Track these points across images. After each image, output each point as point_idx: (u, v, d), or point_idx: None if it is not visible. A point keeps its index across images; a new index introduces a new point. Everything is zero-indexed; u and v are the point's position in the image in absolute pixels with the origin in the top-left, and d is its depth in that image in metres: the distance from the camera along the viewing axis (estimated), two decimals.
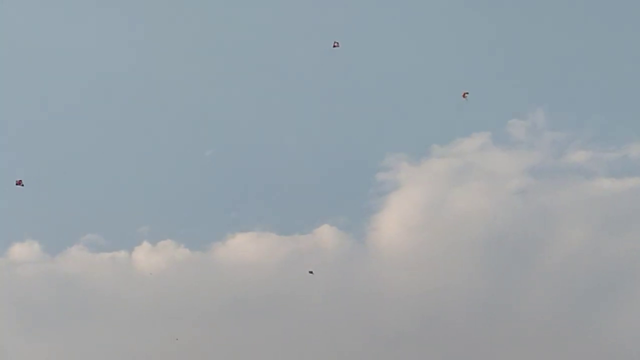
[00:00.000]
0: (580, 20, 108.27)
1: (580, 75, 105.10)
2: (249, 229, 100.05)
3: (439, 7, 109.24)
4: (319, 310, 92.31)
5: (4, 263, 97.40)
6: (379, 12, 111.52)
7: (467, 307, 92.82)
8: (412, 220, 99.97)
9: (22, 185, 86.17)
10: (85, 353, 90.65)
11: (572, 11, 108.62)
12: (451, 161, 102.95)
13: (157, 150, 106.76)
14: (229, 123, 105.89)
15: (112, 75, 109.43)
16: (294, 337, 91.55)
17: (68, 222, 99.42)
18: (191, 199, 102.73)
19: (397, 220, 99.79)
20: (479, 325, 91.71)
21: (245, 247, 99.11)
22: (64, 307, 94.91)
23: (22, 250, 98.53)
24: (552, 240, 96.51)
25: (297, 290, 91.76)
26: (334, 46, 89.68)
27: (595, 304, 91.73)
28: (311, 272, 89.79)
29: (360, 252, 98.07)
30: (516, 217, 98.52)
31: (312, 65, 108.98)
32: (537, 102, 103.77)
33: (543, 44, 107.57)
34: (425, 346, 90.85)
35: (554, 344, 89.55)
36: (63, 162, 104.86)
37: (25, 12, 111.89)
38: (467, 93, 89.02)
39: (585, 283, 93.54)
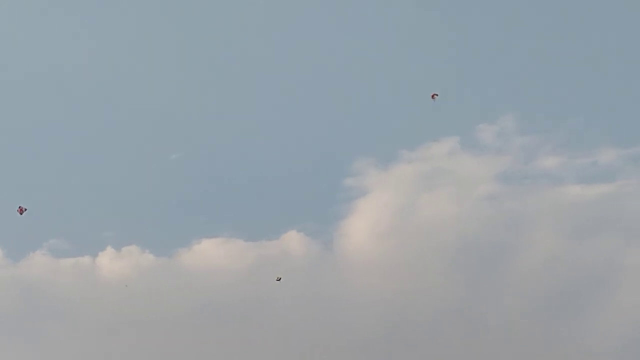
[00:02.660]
0: (550, 25, 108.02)
1: (550, 80, 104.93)
2: (215, 235, 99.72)
3: (409, 12, 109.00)
4: (287, 315, 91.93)
5: None
6: (348, 17, 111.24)
7: (435, 311, 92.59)
8: (380, 226, 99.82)
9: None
10: (48, 359, 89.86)
11: (542, 16, 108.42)
12: (420, 166, 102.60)
13: (123, 154, 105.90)
14: (195, 127, 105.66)
15: (77, 75, 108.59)
16: (261, 342, 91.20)
17: (31, 227, 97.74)
18: (156, 203, 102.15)
19: (365, 225, 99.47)
20: (447, 329, 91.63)
21: (211, 253, 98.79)
22: (27, 312, 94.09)
23: None
24: (521, 246, 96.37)
25: (265, 296, 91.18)
26: None
27: (563, 309, 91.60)
28: (279, 279, 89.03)
29: (327, 257, 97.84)
30: (485, 222, 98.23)
31: (280, 69, 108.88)
32: (506, 107, 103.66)
33: (512, 49, 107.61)
34: (393, 351, 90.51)
35: (522, 348, 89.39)
36: (25, 166, 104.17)
37: None
38: (437, 94, 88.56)
39: (553, 288, 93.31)
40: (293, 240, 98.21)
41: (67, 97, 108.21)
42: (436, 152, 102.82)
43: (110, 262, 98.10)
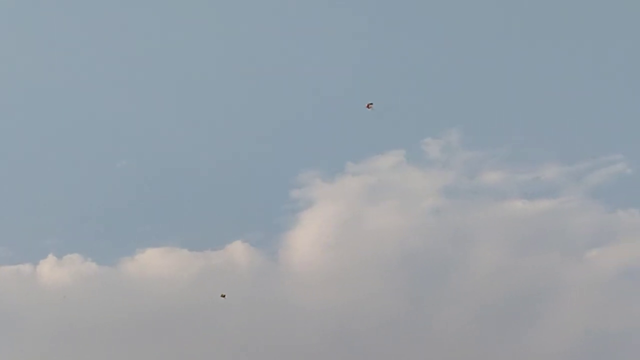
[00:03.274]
0: (496, 41, 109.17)
1: (495, 95, 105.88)
2: (159, 244, 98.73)
3: (357, 23, 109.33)
4: (231, 326, 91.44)
5: None
6: (294, 24, 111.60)
7: (378, 323, 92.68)
8: (325, 238, 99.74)
9: None
10: None
11: (488, 32, 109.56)
12: (365, 179, 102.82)
13: (67, 160, 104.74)
14: (143, 134, 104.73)
15: (18, 78, 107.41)
16: (205, 352, 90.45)
17: None
18: (100, 211, 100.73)
19: (310, 237, 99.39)
20: (390, 341, 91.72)
21: (155, 262, 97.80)
22: None
23: None
24: (464, 260, 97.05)
25: (209, 307, 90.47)
26: None
27: (504, 323, 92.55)
28: (223, 296, 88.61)
29: (272, 268, 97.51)
30: (430, 236, 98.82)
31: (228, 79, 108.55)
32: (451, 122, 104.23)
33: (458, 63, 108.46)
34: None
35: None
36: None
37: None
38: (372, 104, 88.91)
39: (495, 302, 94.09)
40: (238, 251, 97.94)
41: (8, 101, 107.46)
42: (382, 165, 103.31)
43: (52, 270, 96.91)
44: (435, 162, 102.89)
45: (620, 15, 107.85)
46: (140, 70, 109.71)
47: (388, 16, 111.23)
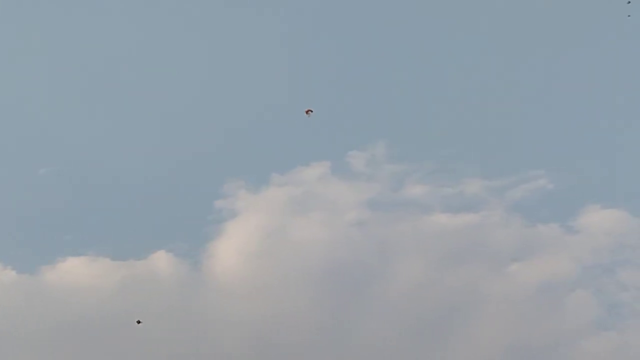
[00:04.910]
0: (422, 55, 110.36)
1: (420, 110, 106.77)
2: (81, 253, 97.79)
3: (280, 36, 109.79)
4: (153, 335, 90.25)
5: None
6: (225, 35, 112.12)
7: (302, 334, 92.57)
8: (249, 248, 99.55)
9: None
10: None
11: (414, 47, 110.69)
12: (290, 190, 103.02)
13: None
14: (67, 141, 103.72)
15: None
16: None
17: None
18: (21, 219, 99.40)
19: (234, 248, 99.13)
20: (314, 354, 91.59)
21: (77, 271, 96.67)
22: None
23: None
24: (388, 273, 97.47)
25: (132, 316, 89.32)
26: None
27: (428, 337, 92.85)
28: (139, 322, 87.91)
29: (196, 278, 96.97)
30: (354, 248, 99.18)
31: (154, 86, 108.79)
32: (377, 135, 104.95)
33: (384, 77, 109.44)
34: None
35: None
36: None
37: None
38: (311, 110, 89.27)
39: (419, 316, 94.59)
40: (162, 260, 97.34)
41: None
42: (307, 177, 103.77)
43: None
44: (361, 175, 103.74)
45: (543, 34, 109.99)
46: (65, 76, 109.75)
47: (316, 29, 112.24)
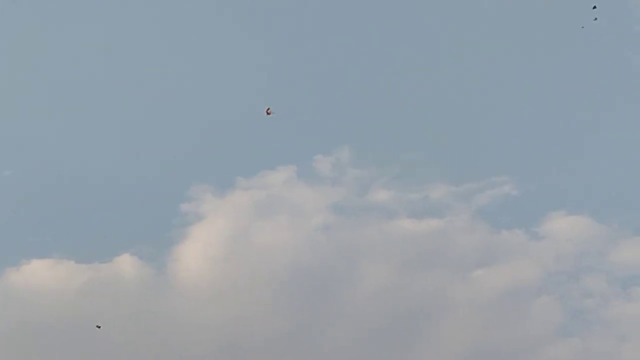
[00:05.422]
0: (386, 60, 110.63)
1: (386, 115, 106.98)
2: (46, 256, 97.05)
3: (246, 40, 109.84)
4: (119, 339, 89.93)
5: None
6: (184, 41, 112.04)
7: (267, 340, 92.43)
8: (214, 252, 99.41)
9: None
10: None
11: (379, 50, 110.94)
12: (256, 194, 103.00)
13: None
14: (30, 143, 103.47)
15: None
16: None
17: None
18: None
19: (199, 251, 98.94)
20: (279, 356, 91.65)
21: (41, 274, 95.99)
22: None
23: None
24: (353, 278, 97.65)
25: (96, 319, 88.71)
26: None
27: (393, 342, 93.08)
28: (99, 327, 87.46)
29: (161, 281, 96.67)
30: (319, 252, 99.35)
31: (118, 88, 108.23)
32: (342, 139, 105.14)
33: (350, 80, 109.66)
34: None
35: None
36: None
37: None
38: (269, 110, 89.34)
39: (384, 321, 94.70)
40: (126, 263, 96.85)
41: None
42: (273, 181, 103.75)
43: None
44: (326, 179, 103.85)
45: (507, 42, 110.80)
46: (28, 77, 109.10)
47: (282, 34, 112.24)
